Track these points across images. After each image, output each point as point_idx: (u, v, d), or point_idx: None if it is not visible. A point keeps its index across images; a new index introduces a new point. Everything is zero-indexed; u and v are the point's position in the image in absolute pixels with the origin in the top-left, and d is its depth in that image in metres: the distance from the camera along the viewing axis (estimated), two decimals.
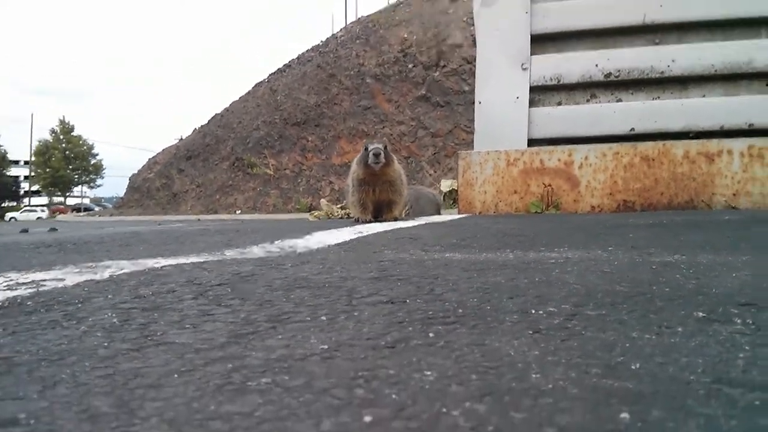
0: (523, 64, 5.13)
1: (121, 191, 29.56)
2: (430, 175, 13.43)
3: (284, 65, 19.74)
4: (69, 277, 1.52)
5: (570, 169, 4.79)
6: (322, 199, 9.40)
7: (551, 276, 1.40)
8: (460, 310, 1.05)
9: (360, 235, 2.84)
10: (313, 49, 19.30)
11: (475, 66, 5.52)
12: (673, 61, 4.86)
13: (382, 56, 16.28)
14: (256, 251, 2.23)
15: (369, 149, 3.77)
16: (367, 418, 0.59)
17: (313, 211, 8.56)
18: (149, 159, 23.96)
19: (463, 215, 4.89)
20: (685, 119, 4.83)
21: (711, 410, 0.58)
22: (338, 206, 7.55)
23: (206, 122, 20.65)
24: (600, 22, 5.05)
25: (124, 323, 1.01)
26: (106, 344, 0.89)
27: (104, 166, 53.60)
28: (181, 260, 1.89)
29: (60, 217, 28.86)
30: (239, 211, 14.25)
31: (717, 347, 0.81)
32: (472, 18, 5.80)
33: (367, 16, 19.43)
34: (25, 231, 5.58)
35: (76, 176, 51.20)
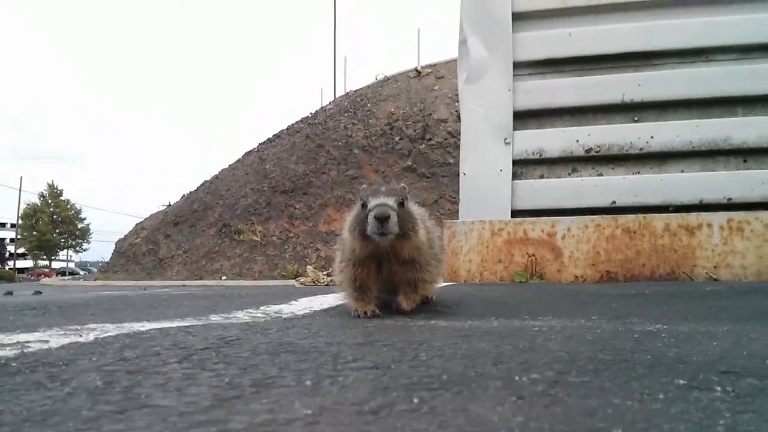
0: (506, 139, 5.30)
1: (106, 256, 29.23)
2: None
3: (274, 135, 20.16)
4: (54, 339, 1.50)
5: (553, 240, 4.86)
6: (308, 266, 9.37)
7: (535, 343, 1.41)
8: (445, 376, 1.06)
9: (345, 301, 2.83)
10: (302, 120, 19.80)
11: (459, 139, 5.68)
12: (652, 137, 5.05)
13: (370, 129, 16.74)
14: (242, 316, 2.22)
15: (370, 206, 2.04)
16: None
17: (299, 278, 8.52)
18: (136, 224, 23.81)
19: (449, 283, 4.90)
20: (664, 194, 4.96)
21: None
22: (324, 273, 7.53)
23: (195, 189, 20.78)
24: (580, 101, 5.26)
25: (108, 385, 1.00)
26: (89, 406, 0.88)
27: (91, 231, 53.19)
28: (166, 324, 1.87)
29: (44, 280, 28.28)
30: (224, 277, 14.11)
31: (698, 414, 0.82)
32: (457, 94, 6.02)
33: (356, 90, 20.11)
34: (10, 293, 5.48)
35: (63, 240, 50.70)
